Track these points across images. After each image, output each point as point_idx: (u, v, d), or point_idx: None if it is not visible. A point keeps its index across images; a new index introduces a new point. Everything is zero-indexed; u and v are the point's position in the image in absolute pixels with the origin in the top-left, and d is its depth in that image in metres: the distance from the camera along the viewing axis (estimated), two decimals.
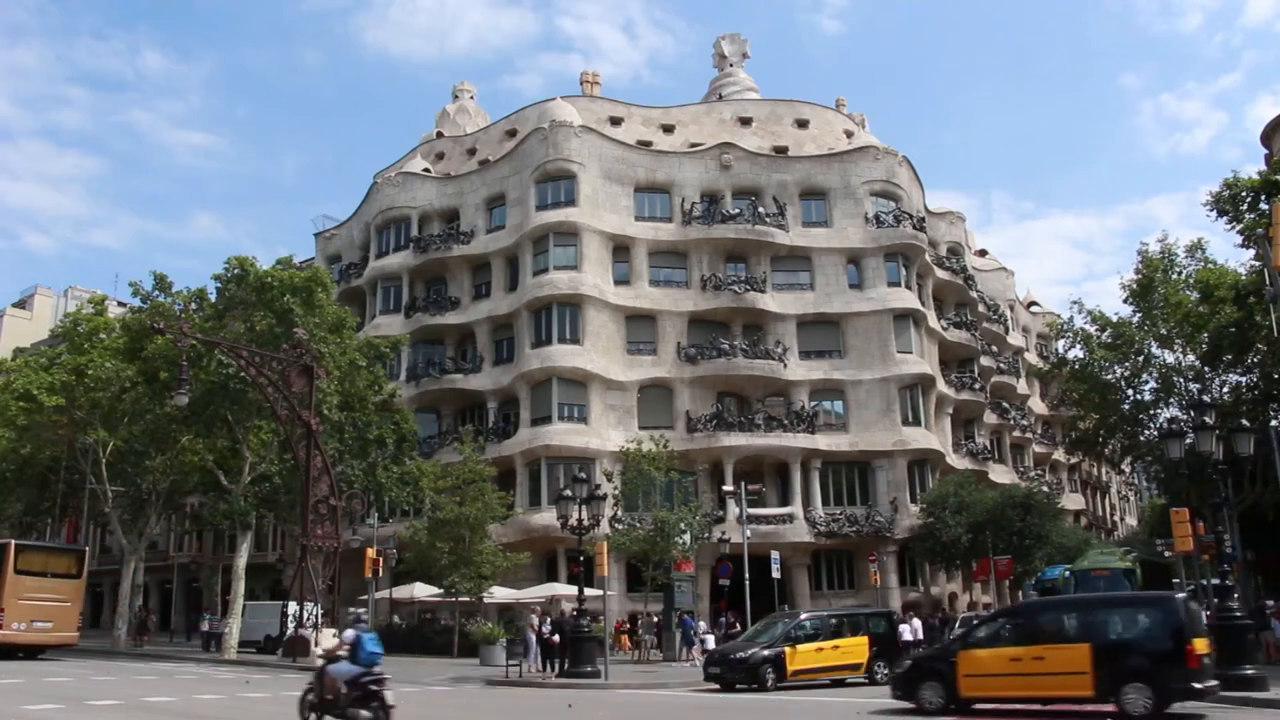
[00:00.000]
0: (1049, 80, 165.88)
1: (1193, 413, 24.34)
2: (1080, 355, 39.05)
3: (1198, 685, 13.89)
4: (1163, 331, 34.60)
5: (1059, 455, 62.13)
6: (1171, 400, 35.28)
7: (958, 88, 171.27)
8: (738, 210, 45.03)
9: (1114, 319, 37.13)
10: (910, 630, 30.39)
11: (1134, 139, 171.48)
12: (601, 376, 41.65)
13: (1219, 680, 17.50)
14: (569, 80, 51.66)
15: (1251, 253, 29.57)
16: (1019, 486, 47.32)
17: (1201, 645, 14.13)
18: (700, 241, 44.64)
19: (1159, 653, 14.15)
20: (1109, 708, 14.09)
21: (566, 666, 25.03)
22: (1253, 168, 32.97)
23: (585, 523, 24.93)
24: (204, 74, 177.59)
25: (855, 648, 23.01)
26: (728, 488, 38.77)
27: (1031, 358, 62.26)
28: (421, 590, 37.96)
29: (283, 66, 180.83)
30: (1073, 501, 63.74)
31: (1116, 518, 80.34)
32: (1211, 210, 30.52)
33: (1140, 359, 36.05)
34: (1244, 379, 32.93)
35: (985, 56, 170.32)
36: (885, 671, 23.11)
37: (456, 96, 60.18)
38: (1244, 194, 29.43)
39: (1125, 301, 36.33)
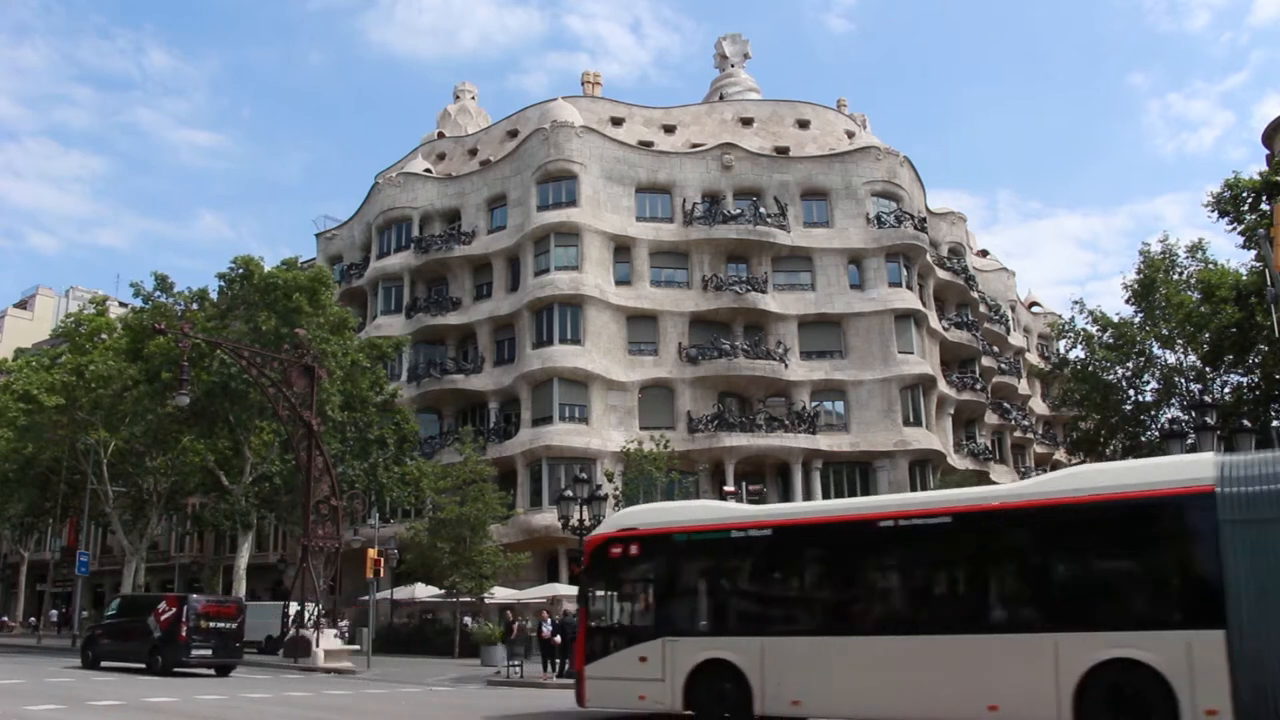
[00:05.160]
0: (1056, 79, 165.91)
1: (1194, 413, 24.34)
2: (1081, 356, 39.00)
3: None
4: (1164, 332, 34.53)
5: (1060, 455, 62.02)
6: (1173, 401, 35.21)
7: (965, 86, 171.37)
8: (739, 210, 45.07)
9: (1115, 319, 37.08)
10: None
11: (1140, 138, 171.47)
12: (603, 377, 41.68)
13: None
14: (576, 80, 52.31)
15: (1253, 253, 29.52)
16: None
17: None
18: (701, 242, 44.67)
19: None
20: None
21: (567, 667, 25.03)
22: (1257, 168, 32.92)
23: (586, 523, 24.96)
24: (209, 73, 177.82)
25: None
26: (729, 488, 38.76)
27: (1033, 358, 62.24)
28: (422, 591, 38.00)
29: (288, 66, 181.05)
30: None
31: None
32: (1213, 211, 30.51)
33: (1141, 359, 36.00)
34: (1245, 379, 32.87)
35: (992, 55, 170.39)
36: None
37: (458, 97, 60.26)
38: (1245, 194, 29.40)
39: (1127, 302, 36.29)
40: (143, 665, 24.32)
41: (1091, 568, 12.21)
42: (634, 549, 14.78)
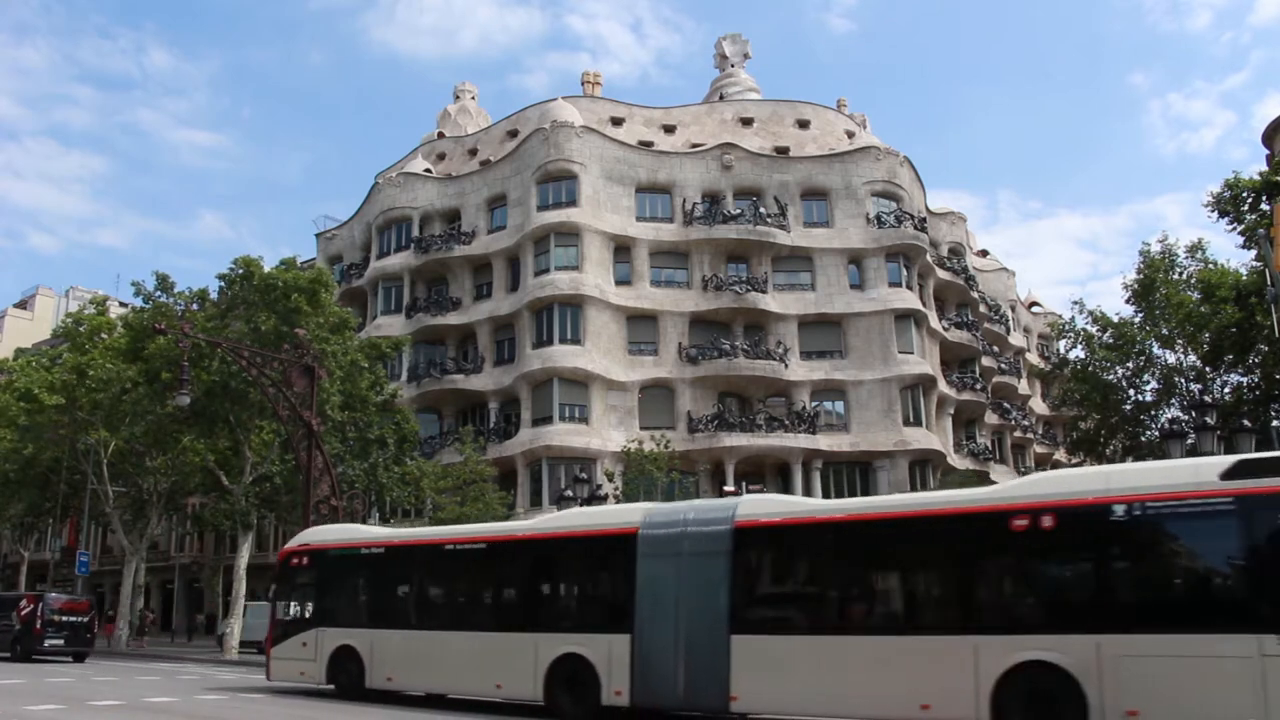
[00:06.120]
0: (1056, 79, 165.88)
1: (1194, 413, 24.33)
2: (1081, 355, 38.95)
3: None
4: (1164, 332, 34.46)
5: (1060, 455, 62.01)
6: (1173, 401, 35.15)
7: (965, 86, 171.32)
8: (739, 210, 45.07)
9: (1115, 319, 37.03)
10: None
11: (1141, 138, 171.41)
12: (603, 377, 41.68)
13: None
14: (576, 80, 52.37)
15: (1253, 253, 29.51)
16: None
17: None
18: (701, 242, 44.67)
19: None
20: None
21: None
22: (1257, 168, 32.87)
23: None
24: (210, 72, 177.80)
25: None
26: (729, 488, 38.77)
27: (1033, 358, 62.23)
28: None
29: (288, 65, 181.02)
30: None
31: None
32: (1213, 211, 30.48)
33: (1141, 359, 35.94)
34: (1245, 379, 32.83)
35: (992, 55, 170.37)
36: None
37: (458, 97, 60.30)
38: (1245, 194, 29.37)
39: (1127, 302, 36.23)
40: (8, 654, 27.99)
41: (561, 585, 16.42)
42: (305, 560, 19.14)
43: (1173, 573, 11.76)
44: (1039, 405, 61.54)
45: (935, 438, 44.96)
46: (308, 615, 18.74)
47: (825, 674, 12.84)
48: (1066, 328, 39.35)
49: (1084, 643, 11.22)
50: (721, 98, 54.49)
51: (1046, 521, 11.92)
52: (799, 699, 13.04)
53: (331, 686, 17.98)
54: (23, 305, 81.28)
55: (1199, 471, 11.69)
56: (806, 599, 14.07)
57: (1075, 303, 41.58)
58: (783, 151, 49.78)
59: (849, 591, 13.69)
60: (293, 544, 20.03)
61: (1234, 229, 30.08)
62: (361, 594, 18.55)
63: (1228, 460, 11.76)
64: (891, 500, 15.98)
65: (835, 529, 13.85)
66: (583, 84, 54.81)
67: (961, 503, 13.39)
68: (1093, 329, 37.30)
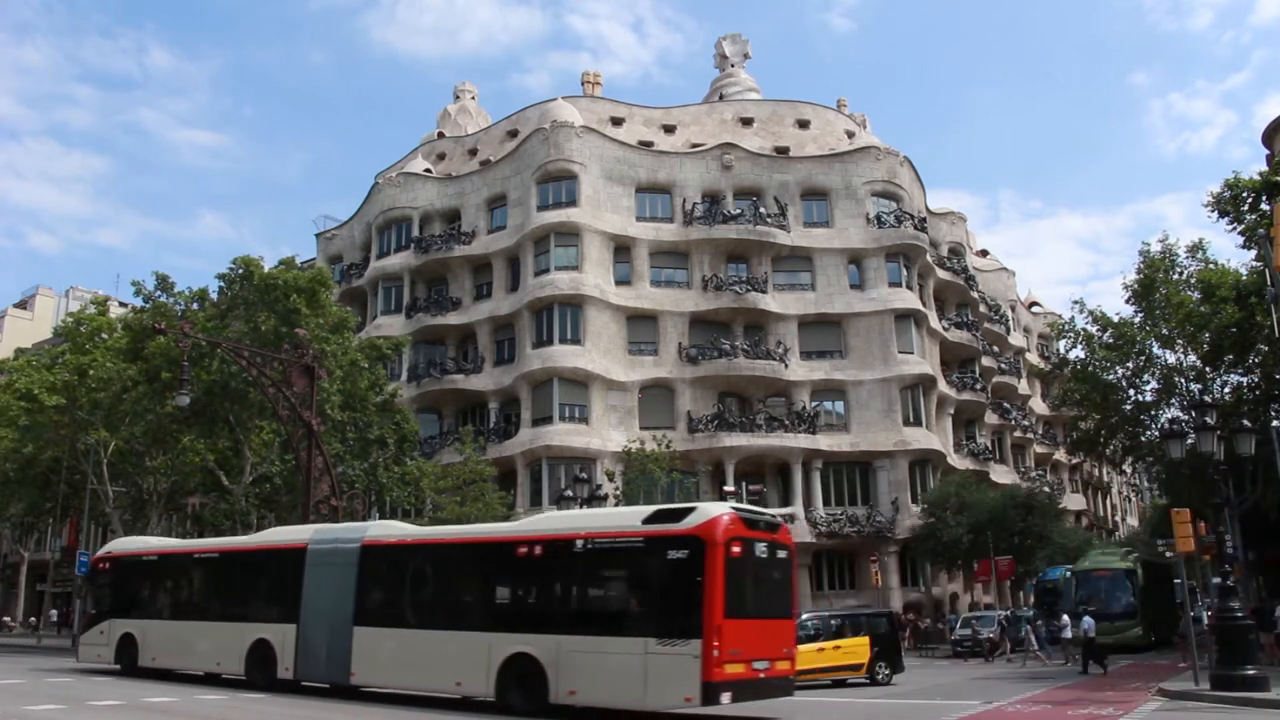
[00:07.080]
0: (1057, 79, 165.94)
1: (1194, 413, 24.28)
2: (1081, 355, 38.92)
3: None
4: (1164, 332, 34.42)
5: (1060, 455, 62.11)
6: (1173, 400, 35.11)
7: (967, 86, 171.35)
8: (739, 210, 45.08)
9: (1115, 319, 36.99)
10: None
11: (1142, 138, 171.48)
12: (603, 377, 41.68)
13: (1221, 680, 17.54)
14: (578, 79, 52.16)
15: (1253, 253, 29.51)
16: (1020, 487, 47.31)
17: None
18: (701, 242, 44.68)
19: None
20: None
21: None
22: (1257, 167, 32.84)
23: None
24: (211, 72, 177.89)
25: (857, 648, 23.17)
26: (729, 488, 38.83)
27: (1033, 358, 62.28)
28: None
29: (289, 65, 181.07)
30: (1074, 502, 63.78)
31: (1118, 518, 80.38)
32: (1213, 211, 30.45)
33: (1141, 359, 35.91)
34: (1245, 379, 32.80)
35: (993, 55, 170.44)
36: (886, 671, 23.28)
37: (458, 97, 60.32)
38: (1245, 194, 29.35)
39: (1127, 302, 36.18)
40: None
41: (259, 586, 20.48)
42: (107, 565, 23.85)
43: (603, 591, 15.77)
44: (1039, 405, 61.57)
45: (935, 438, 44.98)
46: (105, 609, 23.31)
47: (404, 657, 17.16)
48: (1066, 328, 39.29)
49: (550, 641, 15.13)
50: (721, 98, 54.50)
51: (537, 550, 16.05)
52: (389, 675, 17.54)
53: (118, 666, 22.20)
54: (23, 305, 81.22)
55: (631, 516, 15.84)
56: (397, 602, 18.12)
57: (1075, 303, 41.51)
58: (783, 151, 49.79)
59: (420, 597, 17.97)
60: (101, 552, 25.06)
61: (1234, 229, 30.05)
62: (140, 592, 22.98)
63: (649, 509, 15.96)
64: (455, 529, 21.42)
65: (416, 550, 18.33)
66: (583, 84, 54.82)
67: (487, 533, 18.73)
68: (1093, 329, 37.26)
